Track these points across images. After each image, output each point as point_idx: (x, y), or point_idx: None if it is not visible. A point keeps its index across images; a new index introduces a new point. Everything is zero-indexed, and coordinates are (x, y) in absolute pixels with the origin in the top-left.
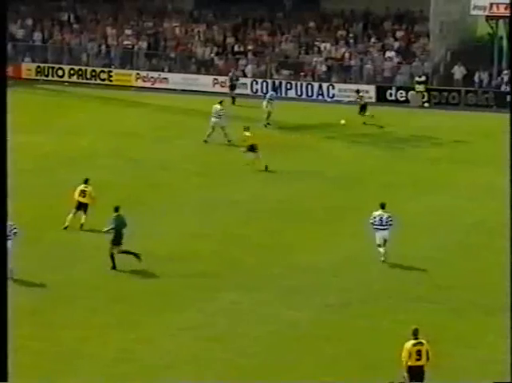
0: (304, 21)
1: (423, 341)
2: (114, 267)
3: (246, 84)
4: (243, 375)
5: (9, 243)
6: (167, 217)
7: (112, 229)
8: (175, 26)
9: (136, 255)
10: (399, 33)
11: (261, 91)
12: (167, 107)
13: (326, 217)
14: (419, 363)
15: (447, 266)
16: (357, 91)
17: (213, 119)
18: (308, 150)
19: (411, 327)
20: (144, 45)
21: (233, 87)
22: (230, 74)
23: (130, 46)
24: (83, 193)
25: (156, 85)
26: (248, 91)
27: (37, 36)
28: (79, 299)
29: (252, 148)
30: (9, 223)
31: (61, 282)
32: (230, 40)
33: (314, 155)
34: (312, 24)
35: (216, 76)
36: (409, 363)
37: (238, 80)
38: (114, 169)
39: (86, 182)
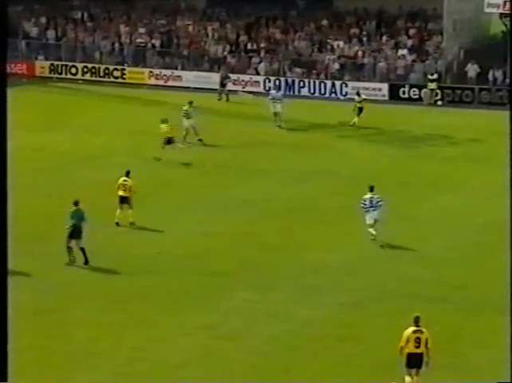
0: (317, 19)
1: (424, 329)
2: (86, 262)
3: (258, 82)
4: (256, 374)
5: None
6: (181, 215)
7: (72, 225)
8: (188, 24)
9: (86, 260)
10: (412, 31)
11: (274, 89)
12: (180, 105)
13: (339, 216)
14: (417, 350)
15: (460, 266)
16: (358, 93)
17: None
18: (321, 149)
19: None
20: (157, 43)
21: (223, 85)
22: (221, 72)
23: (143, 44)
24: (124, 187)
25: (169, 83)
26: (261, 89)
27: (51, 34)
28: (92, 298)
29: (169, 141)
30: None
31: (74, 280)
32: (243, 38)
33: (328, 154)
34: (325, 22)
35: (229, 74)
36: (408, 350)
37: (228, 78)
38: (129, 168)
39: (127, 175)
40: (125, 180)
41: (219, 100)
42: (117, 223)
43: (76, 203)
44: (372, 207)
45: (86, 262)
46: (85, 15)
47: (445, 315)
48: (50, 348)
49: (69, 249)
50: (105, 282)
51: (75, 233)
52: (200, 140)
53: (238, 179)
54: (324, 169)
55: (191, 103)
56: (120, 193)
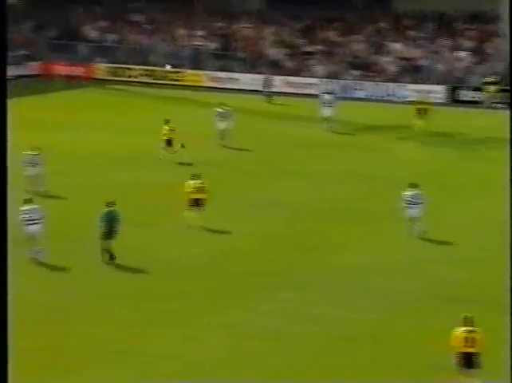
0: (375, 21)
1: (475, 328)
2: (112, 258)
3: (315, 84)
4: (289, 374)
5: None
6: (214, 216)
7: (104, 224)
8: (245, 27)
9: (112, 256)
10: (471, 33)
11: (326, 92)
12: (235, 107)
13: (378, 217)
14: (469, 350)
15: (490, 268)
16: (418, 96)
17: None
18: (375, 151)
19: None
20: (214, 45)
21: (267, 86)
22: (265, 75)
23: (200, 47)
24: (201, 189)
25: (226, 86)
26: (317, 91)
27: (110, 37)
28: (122, 297)
29: (169, 142)
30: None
31: (103, 279)
32: (300, 40)
33: (381, 157)
34: (383, 24)
35: (285, 77)
36: (461, 350)
37: (271, 80)
38: (163, 169)
39: (196, 177)
40: (201, 183)
41: (268, 102)
42: (189, 226)
43: (110, 204)
44: (415, 203)
45: (112, 257)
46: (144, 18)
47: (479, 317)
48: (76, 346)
49: (104, 250)
50: (135, 282)
51: (108, 234)
52: (223, 145)
53: (273, 179)
54: (371, 171)
55: (223, 105)
56: (198, 196)
